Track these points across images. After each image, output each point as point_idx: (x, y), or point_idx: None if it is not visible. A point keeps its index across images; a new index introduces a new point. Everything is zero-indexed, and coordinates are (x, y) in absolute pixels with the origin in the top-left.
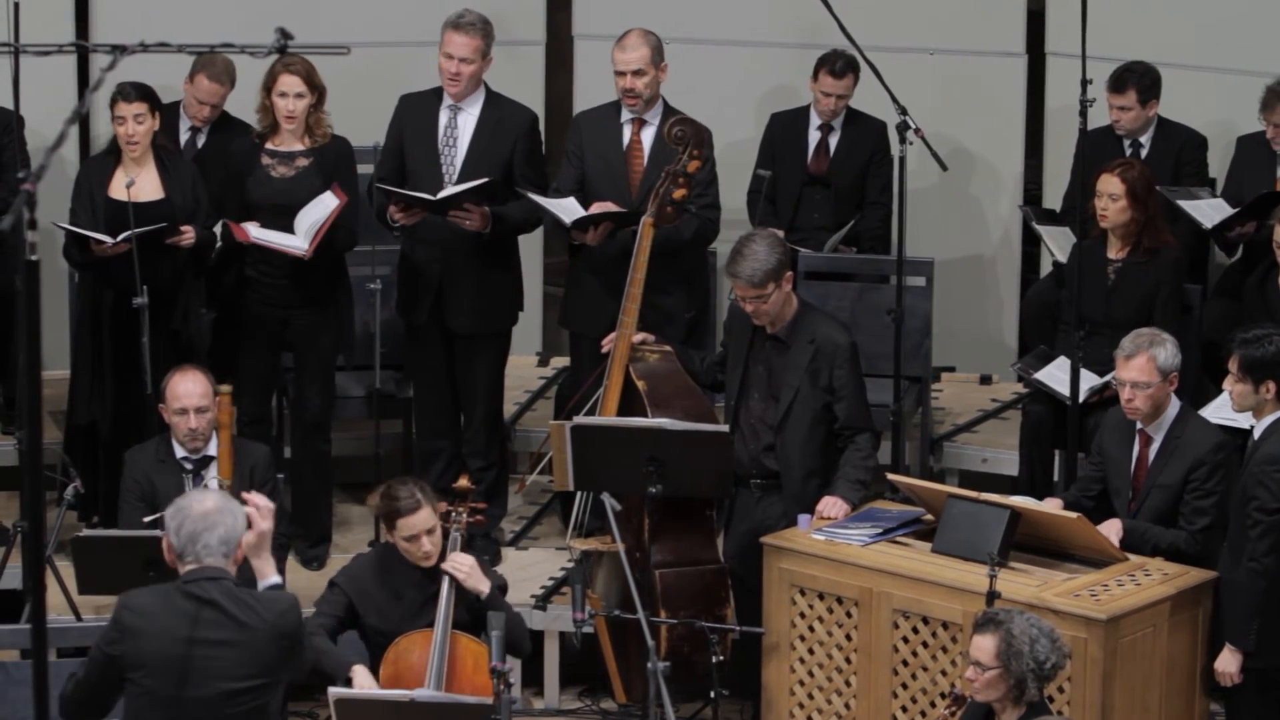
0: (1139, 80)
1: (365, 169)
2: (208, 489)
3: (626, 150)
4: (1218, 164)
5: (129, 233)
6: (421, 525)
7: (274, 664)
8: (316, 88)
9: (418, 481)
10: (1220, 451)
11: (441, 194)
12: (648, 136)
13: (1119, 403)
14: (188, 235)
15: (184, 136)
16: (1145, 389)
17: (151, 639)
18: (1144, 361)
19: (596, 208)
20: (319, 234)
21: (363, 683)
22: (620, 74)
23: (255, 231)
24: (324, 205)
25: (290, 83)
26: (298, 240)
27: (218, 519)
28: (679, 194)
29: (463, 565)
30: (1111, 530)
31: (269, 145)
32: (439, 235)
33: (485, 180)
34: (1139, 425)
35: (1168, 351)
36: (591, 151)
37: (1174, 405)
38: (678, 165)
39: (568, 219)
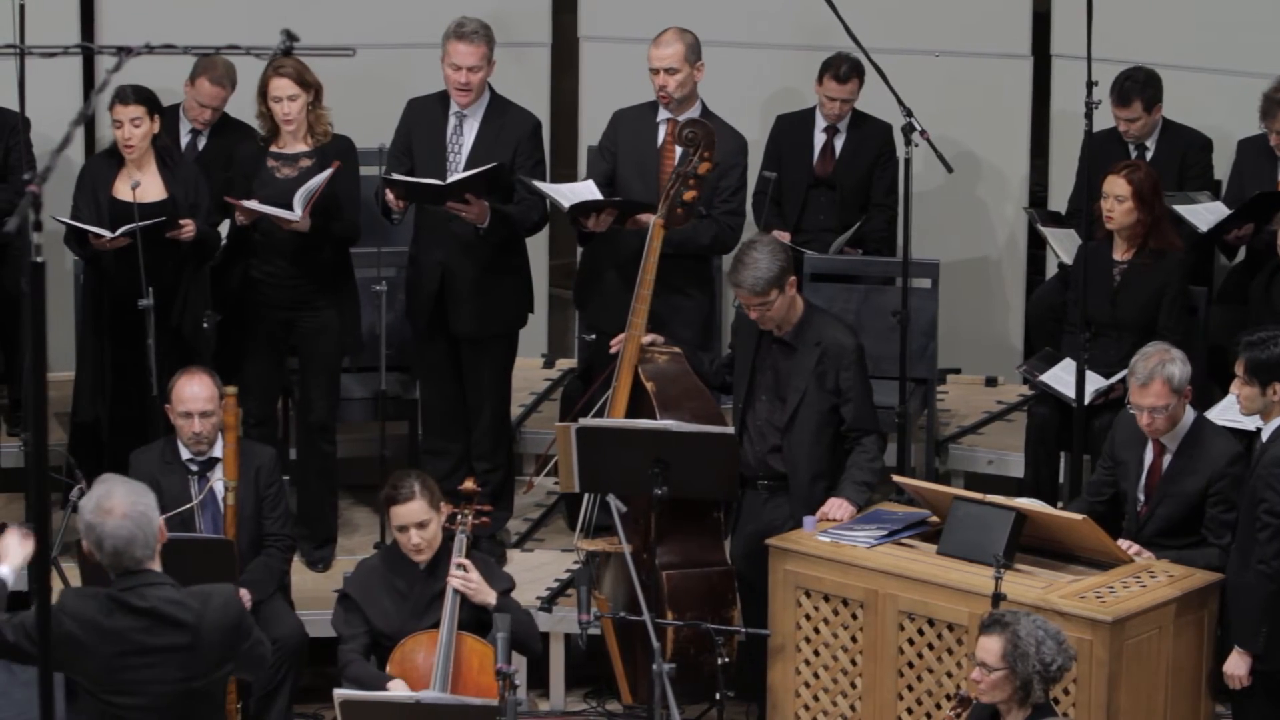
0: (1142, 90)
1: (369, 170)
2: (105, 483)
3: (659, 150)
4: (1223, 166)
5: (128, 227)
6: (411, 517)
7: (223, 659)
8: (310, 86)
9: (424, 476)
10: (1238, 463)
11: (451, 179)
12: None
13: (1128, 404)
14: (187, 228)
15: (184, 139)
16: (1164, 411)
17: (92, 653)
18: (1159, 386)
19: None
20: (312, 200)
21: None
22: (654, 71)
23: (251, 203)
24: (318, 177)
25: (281, 86)
26: (294, 210)
27: (134, 530)
28: (689, 195)
29: (471, 581)
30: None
31: (273, 148)
32: (444, 239)
33: (494, 165)
34: None
35: (1179, 369)
36: (625, 148)
37: (1189, 414)
38: (688, 167)
39: (566, 204)
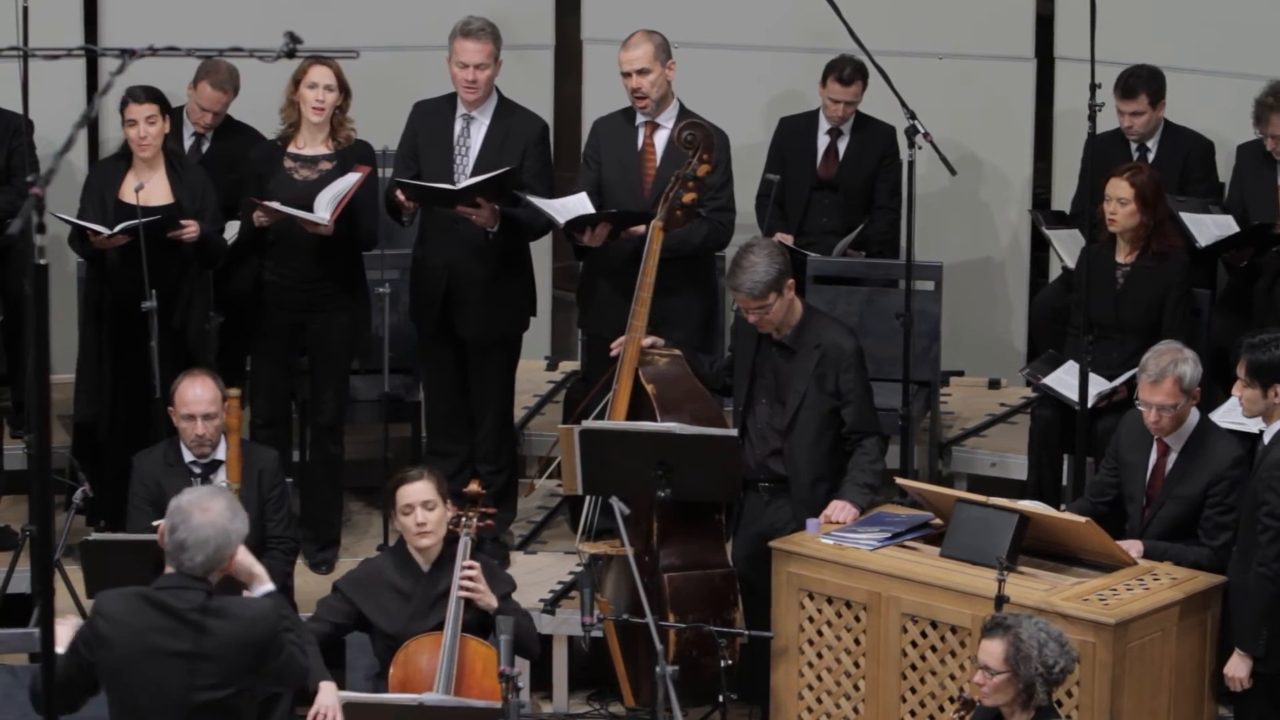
0: (1147, 84)
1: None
2: (218, 489)
3: (640, 153)
4: (1223, 169)
5: (127, 224)
6: (416, 496)
7: (242, 673)
8: (345, 88)
9: (434, 469)
10: (1239, 466)
11: (462, 184)
12: (660, 139)
13: (1132, 407)
14: (190, 229)
15: (188, 142)
16: (1172, 410)
17: (119, 648)
18: (1171, 385)
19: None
20: (340, 205)
21: (326, 700)
22: (626, 74)
23: (276, 204)
24: (345, 180)
25: (323, 73)
26: (320, 212)
27: (210, 535)
28: (689, 198)
29: (478, 586)
30: (1131, 549)
31: (291, 148)
32: (450, 242)
33: (506, 169)
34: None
35: (1191, 369)
36: (608, 156)
37: (1194, 416)
38: (687, 169)
39: (563, 220)
